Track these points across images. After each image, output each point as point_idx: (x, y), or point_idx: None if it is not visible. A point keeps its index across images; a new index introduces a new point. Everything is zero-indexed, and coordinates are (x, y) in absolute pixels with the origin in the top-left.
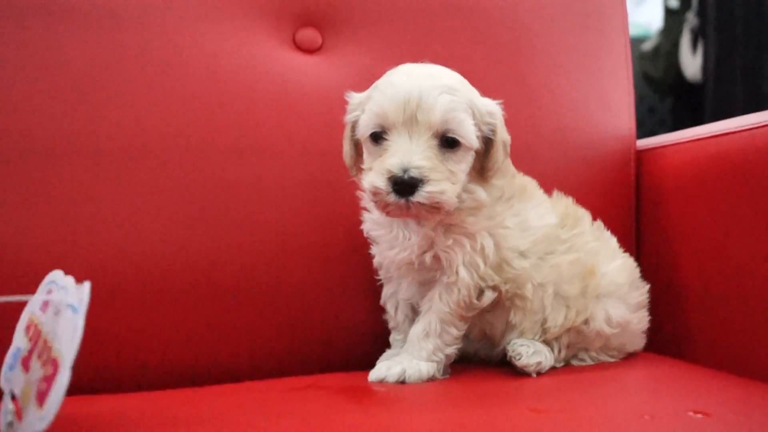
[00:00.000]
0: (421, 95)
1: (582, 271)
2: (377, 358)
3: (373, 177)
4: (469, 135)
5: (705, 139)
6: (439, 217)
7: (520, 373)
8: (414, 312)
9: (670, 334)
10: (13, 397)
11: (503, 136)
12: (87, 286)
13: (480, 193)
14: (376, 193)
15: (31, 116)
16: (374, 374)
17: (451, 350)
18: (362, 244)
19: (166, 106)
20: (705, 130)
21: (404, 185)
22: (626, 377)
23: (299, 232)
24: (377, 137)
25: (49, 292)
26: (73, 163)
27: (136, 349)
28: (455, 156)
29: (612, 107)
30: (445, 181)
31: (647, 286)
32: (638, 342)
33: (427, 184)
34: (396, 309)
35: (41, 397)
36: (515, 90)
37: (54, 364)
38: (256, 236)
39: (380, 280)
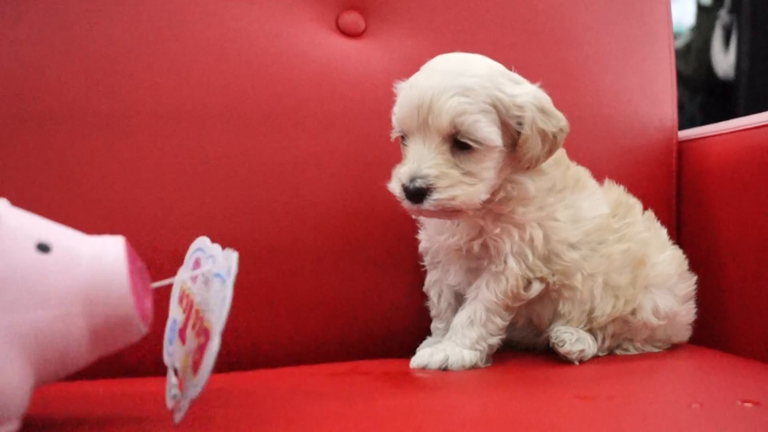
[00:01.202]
0: (432, 99)
1: (633, 260)
2: (417, 347)
3: (393, 183)
4: (485, 136)
5: (749, 130)
6: (465, 216)
7: (563, 360)
8: (457, 300)
9: (713, 327)
10: (175, 372)
11: (541, 127)
12: (234, 256)
13: (527, 184)
14: (397, 197)
15: (66, 84)
16: (416, 360)
17: (495, 340)
18: (405, 230)
19: (205, 87)
20: (749, 121)
21: (412, 194)
22: (671, 367)
23: (341, 214)
24: (403, 140)
25: (197, 260)
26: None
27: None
28: (473, 157)
29: (655, 97)
30: (459, 185)
31: (695, 278)
32: (684, 334)
33: (435, 192)
34: (439, 296)
35: (195, 367)
36: (558, 78)
37: (206, 333)
38: (297, 217)
39: (424, 266)
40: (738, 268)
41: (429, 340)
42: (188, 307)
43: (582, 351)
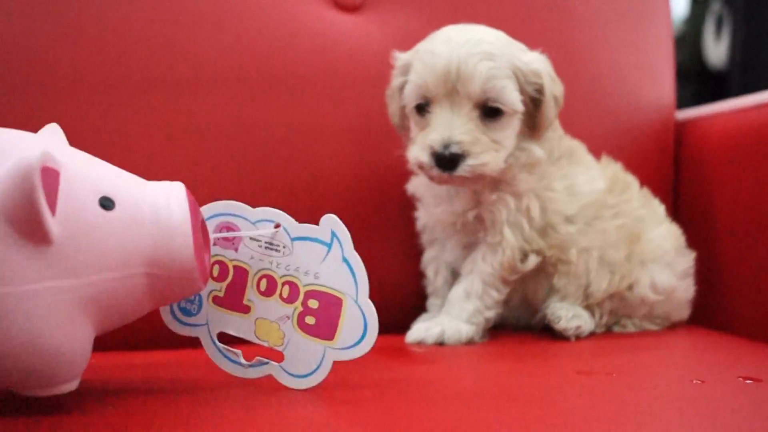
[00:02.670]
0: (459, 65)
1: (628, 236)
2: (412, 323)
3: (417, 151)
4: (512, 101)
5: (747, 110)
6: (485, 182)
7: (559, 337)
8: (454, 278)
9: (711, 306)
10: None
11: (553, 90)
12: (335, 219)
13: (536, 150)
14: (420, 166)
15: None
16: (412, 335)
17: (491, 314)
18: (403, 207)
19: (200, 61)
20: (747, 101)
21: (446, 161)
22: (670, 344)
23: (336, 192)
24: (421, 108)
25: (222, 226)
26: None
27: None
28: (499, 124)
29: (653, 75)
30: (489, 151)
31: (693, 254)
32: (683, 311)
33: (469, 158)
34: (436, 274)
35: (322, 330)
36: (555, 54)
37: (321, 296)
38: (292, 194)
39: (422, 244)
40: (736, 247)
41: (424, 315)
42: (230, 275)
43: (578, 327)
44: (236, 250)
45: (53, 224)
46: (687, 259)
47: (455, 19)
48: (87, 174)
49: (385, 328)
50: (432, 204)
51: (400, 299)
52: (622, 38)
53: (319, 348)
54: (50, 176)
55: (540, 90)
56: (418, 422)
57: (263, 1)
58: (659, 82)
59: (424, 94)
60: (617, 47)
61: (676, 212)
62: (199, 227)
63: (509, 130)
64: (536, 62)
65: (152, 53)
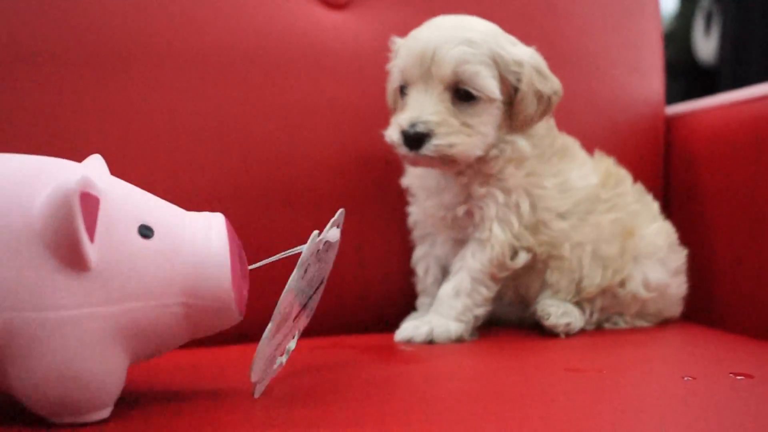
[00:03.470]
0: (435, 49)
1: (622, 231)
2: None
3: (391, 130)
4: (485, 86)
5: (737, 105)
6: (459, 168)
7: (549, 333)
8: (444, 276)
9: (702, 303)
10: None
11: (537, 87)
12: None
13: (521, 143)
14: (393, 145)
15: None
16: (401, 334)
17: (481, 311)
18: (395, 206)
19: (184, 59)
20: (736, 96)
21: (411, 139)
22: (661, 340)
23: (331, 189)
24: (402, 90)
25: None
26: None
27: None
28: (473, 109)
29: (642, 71)
30: (457, 134)
31: (685, 251)
32: (675, 308)
33: (434, 137)
34: (426, 271)
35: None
36: (545, 49)
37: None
38: (279, 195)
39: (413, 240)
40: (727, 243)
41: (414, 314)
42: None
43: (568, 324)
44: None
45: (91, 250)
46: (680, 256)
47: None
48: (127, 202)
49: (374, 327)
50: (423, 197)
51: (389, 297)
52: (611, 34)
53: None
54: (90, 202)
55: (520, 80)
56: (407, 422)
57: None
58: (648, 77)
59: (404, 76)
60: (606, 43)
61: (666, 207)
62: (237, 257)
63: (485, 116)
64: (522, 54)
65: (136, 51)
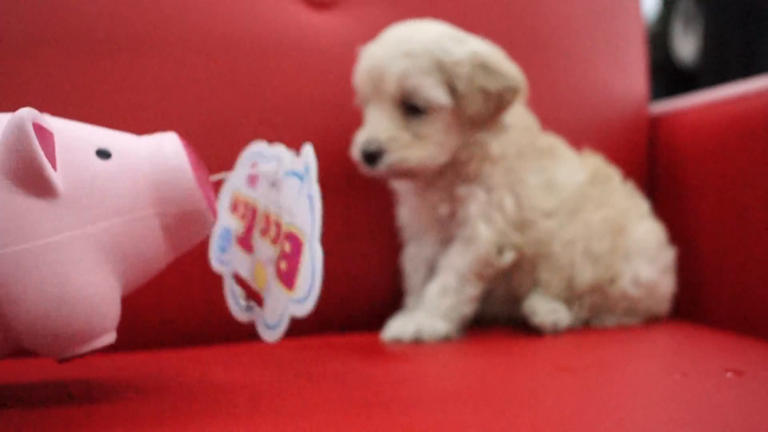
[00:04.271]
0: (381, 66)
1: (612, 228)
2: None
3: (353, 148)
4: (430, 97)
5: (721, 103)
6: (418, 179)
7: (536, 331)
8: (432, 276)
9: (688, 300)
10: (239, 280)
11: (480, 84)
12: (309, 148)
13: (491, 143)
14: (357, 162)
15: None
16: (388, 333)
17: (468, 309)
18: (381, 205)
19: (163, 62)
20: (720, 94)
21: (367, 158)
22: (651, 338)
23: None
24: (364, 104)
25: (253, 165)
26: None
27: (156, 305)
28: (424, 120)
29: (625, 69)
30: (409, 147)
31: (674, 250)
32: (664, 306)
33: (386, 154)
34: (414, 271)
35: (287, 278)
36: (526, 47)
37: (292, 238)
38: None
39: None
40: (713, 240)
41: (401, 313)
42: (248, 213)
43: (555, 322)
44: (255, 187)
45: (56, 176)
46: (669, 254)
47: (425, 15)
48: (78, 130)
49: (362, 327)
50: (409, 198)
51: (377, 296)
52: (594, 32)
53: (283, 298)
54: (43, 135)
55: (462, 81)
56: (395, 423)
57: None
58: (631, 75)
59: (360, 94)
60: (589, 41)
61: (651, 205)
62: (197, 164)
63: (438, 124)
64: (460, 53)
65: (116, 59)
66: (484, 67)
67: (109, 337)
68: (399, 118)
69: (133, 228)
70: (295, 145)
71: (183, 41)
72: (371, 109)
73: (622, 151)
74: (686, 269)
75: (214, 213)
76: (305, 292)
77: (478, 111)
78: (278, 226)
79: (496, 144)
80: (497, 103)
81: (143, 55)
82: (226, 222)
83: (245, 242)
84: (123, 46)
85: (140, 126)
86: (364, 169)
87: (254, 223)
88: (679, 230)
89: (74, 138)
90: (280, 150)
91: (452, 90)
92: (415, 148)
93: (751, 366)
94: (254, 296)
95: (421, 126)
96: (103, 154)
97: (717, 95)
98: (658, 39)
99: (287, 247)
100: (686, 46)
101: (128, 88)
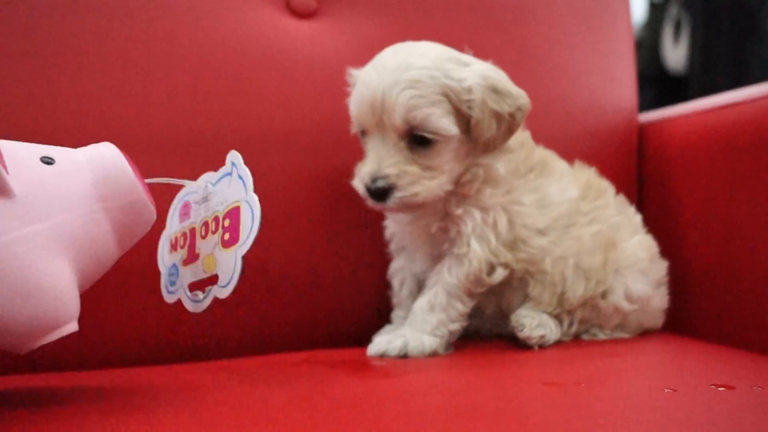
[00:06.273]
0: (384, 96)
1: (604, 243)
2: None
3: (356, 182)
4: (440, 127)
5: (709, 111)
6: (426, 208)
7: (524, 345)
8: (419, 290)
9: (677, 312)
10: (192, 288)
11: (492, 108)
12: (232, 152)
13: (496, 165)
14: (362, 196)
15: None
16: (374, 348)
17: (456, 326)
18: (368, 217)
19: (150, 74)
20: (709, 102)
21: (375, 194)
22: (640, 352)
23: (301, 199)
24: (363, 134)
25: (185, 205)
26: None
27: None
28: (431, 151)
29: (614, 78)
30: (419, 181)
31: (666, 263)
32: (656, 320)
33: (396, 190)
34: (401, 285)
35: (231, 239)
36: (515, 57)
37: (230, 214)
38: None
39: (389, 253)
40: (702, 250)
41: (387, 328)
42: (187, 237)
43: (542, 336)
44: (188, 216)
45: (10, 179)
46: (661, 268)
47: (411, 26)
48: (22, 146)
49: (347, 342)
50: (402, 216)
51: (363, 311)
52: (583, 41)
53: (230, 255)
54: None
55: (472, 107)
56: None
57: (216, 7)
58: (621, 84)
59: (360, 124)
60: (578, 50)
61: (641, 216)
62: (134, 166)
63: (446, 154)
64: (471, 78)
65: (105, 63)
66: (494, 89)
67: (72, 326)
68: (406, 151)
69: (83, 222)
70: (280, 151)
71: (167, 51)
72: (374, 140)
73: (611, 161)
74: (675, 281)
75: (153, 205)
76: (246, 235)
77: (494, 135)
78: (216, 219)
79: (500, 165)
80: (509, 126)
81: (128, 65)
82: (169, 261)
83: (191, 258)
84: (111, 59)
85: (126, 133)
86: (371, 204)
87: (195, 240)
88: (667, 241)
89: (19, 150)
90: (204, 176)
91: (459, 116)
92: (425, 180)
93: (743, 381)
94: (208, 281)
95: (429, 157)
96: (47, 161)
97: (704, 104)
98: (647, 47)
99: (227, 222)
100: (675, 54)
101: (111, 98)
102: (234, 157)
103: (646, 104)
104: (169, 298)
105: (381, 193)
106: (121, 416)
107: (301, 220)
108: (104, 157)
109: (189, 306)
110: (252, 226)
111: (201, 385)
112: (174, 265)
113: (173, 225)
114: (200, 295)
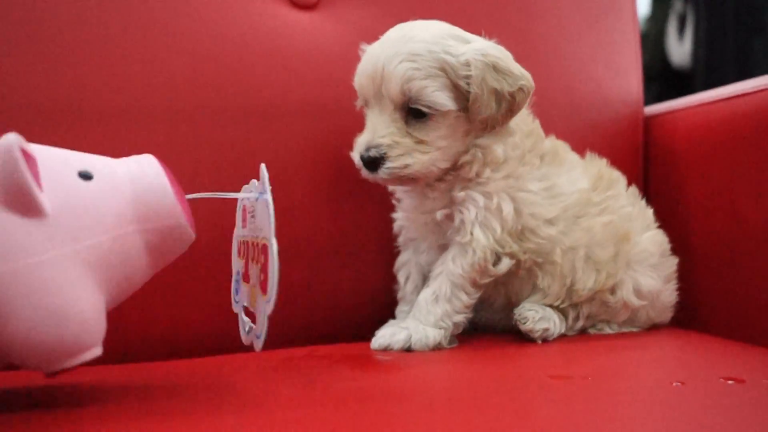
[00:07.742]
0: (383, 67)
1: (616, 235)
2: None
3: (354, 152)
4: (435, 101)
5: (715, 103)
6: (420, 184)
7: (527, 338)
8: (425, 284)
9: (684, 306)
10: (247, 312)
11: (491, 85)
12: (262, 166)
13: (495, 147)
14: (357, 167)
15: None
16: (377, 341)
17: (460, 318)
18: (369, 209)
19: (150, 64)
20: (715, 94)
21: (367, 163)
22: (647, 346)
23: (303, 191)
24: (365, 107)
25: (244, 209)
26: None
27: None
28: (427, 125)
29: (620, 70)
30: (411, 153)
31: (676, 259)
32: (666, 315)
33: (388, 160)
34: (407, 279)
35: (263, 284)
36: (520, 49)
37: (264, 249)
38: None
39: (397, 247)
40: (708, 242)
41: (391, 322)
42: (246, 250)
43: (546, 330)
44: (246, 224)
45: (43, 198)
46: (671, 263)
47: (411, 15)
48: (60, 155)
49: (351, 336)
50: (405, 201)
51: (370, 306)
52: (589, 34)
53: (263, 305)
54: (28, 159)
55: (470, 83)
56: None
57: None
58: (626, 77)
59: (361, 96)
60: (584, 43)
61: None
62: (174, 183)
63: (442, 129)
64: (469, 53)
65: (105, 59)
66: (495, 67)
67: (96, 351)
68: (401, 122)
69: (117, 245)
70: (280, 143)
71: (168, 42)
72: (372, 112)
73: (617, 153)
74: (682, 273)
75: (193, 227)
76: (272, 289)
77: (491, 114)
78: (256, 246)
79: (500, 148)
80: (510, 106)
81: (128, 56)
82: (236, 266)
83: (246, 276)
84: (111, 50)
85: (126, 124)
86: (365, 175)
87: (248, 259)
88: (673, 233)
89: (56, 162)
90: (245, 187)
91: (457, 92)
92: (418, 153)
93: (752, 374)
94: (252, 318)
95: (424, 131)
96: (85, 176)
97: (710, 96)
98: (652, 41)
99: (263, 259)
100: (680, 48)
101: (111, 88)
102: (262, 172)
103: (650, 99)
104: (234, 307)
105: (373, 161)
106: (117, 415)
107: (302, 208)
108: (146, 175)
109: (241, 331)
110: (273, 278)
111: (202, 380)
112: (238, 272)
113: (238, 228)
114: (247, 325)
